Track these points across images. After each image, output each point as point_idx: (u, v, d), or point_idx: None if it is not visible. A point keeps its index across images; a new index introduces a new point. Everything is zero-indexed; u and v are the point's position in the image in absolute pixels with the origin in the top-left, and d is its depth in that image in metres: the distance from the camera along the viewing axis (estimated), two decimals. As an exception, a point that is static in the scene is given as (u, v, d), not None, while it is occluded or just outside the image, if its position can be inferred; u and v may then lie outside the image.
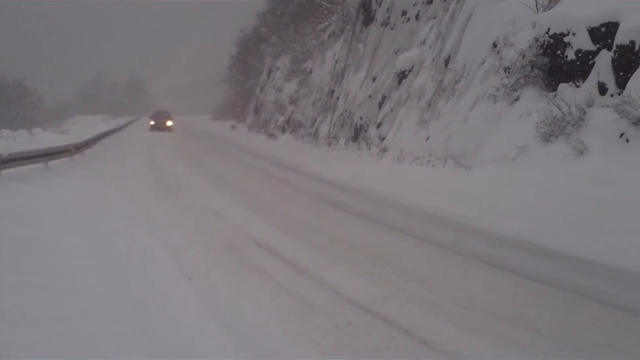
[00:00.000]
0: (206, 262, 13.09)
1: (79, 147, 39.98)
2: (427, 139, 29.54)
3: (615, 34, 21.60)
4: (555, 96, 22.70)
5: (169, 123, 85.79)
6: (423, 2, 39.48)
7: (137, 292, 10.81)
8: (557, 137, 20.94)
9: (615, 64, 21.44)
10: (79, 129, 70.56)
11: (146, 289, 10.97)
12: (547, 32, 24.12)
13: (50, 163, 32.07)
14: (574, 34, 23.15)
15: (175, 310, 9.84)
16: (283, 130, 65.23)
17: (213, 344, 8.44)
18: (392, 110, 37.18)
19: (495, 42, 27.76)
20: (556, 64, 23.90)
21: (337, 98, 49.77)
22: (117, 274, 12.01)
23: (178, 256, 13.57)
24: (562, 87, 23.10)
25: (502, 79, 25.75)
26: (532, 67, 24.37)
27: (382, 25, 44.37)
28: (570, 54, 23.21)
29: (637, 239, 13.74)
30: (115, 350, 8.26)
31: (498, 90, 25.66)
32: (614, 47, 21.54)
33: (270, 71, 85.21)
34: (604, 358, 8.13)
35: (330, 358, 8.11)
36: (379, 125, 38.28)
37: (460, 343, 8.60)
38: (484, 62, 28.13)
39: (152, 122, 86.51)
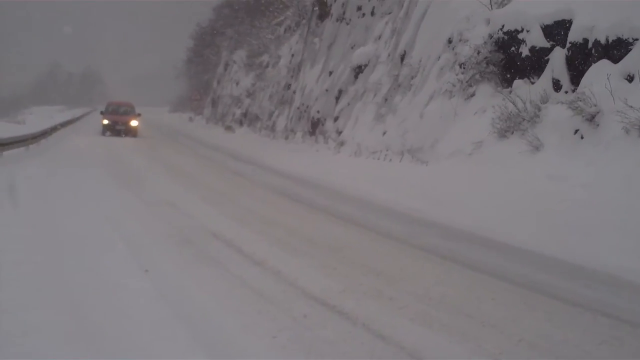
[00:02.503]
0: (162, 253, 13.04)
1: (36, 137, 39.70)
2: (384, 133, 29.66)
3: (568, 31, 21.84)
4: (510, 92, 22.92)
5: (134, 123, 53.75)
6: (378, -2, 39.62)
7: (89, 283, 10.70)
8: (512, 133, 21.14)
9: (569, 61, 21.70)
10: (34, 119, 69.54)
11: (99, 281, 10.87)
12: (501, 29, 24.33)
13: (5, 153, 31.70)
14: (527, 31, 23.39)
15: (129, 301, 9.78)
16: (240, 123, 65.15)
17: (167, 337, 8.40)
18: (348, 104, 37.27)
19: (450, 38, 27.92)
20: (511, 61, 24.12)
21: (294, 92, 49.80)
22: (67, 265, 11.84)
23: (133, 247, 13.47)
24: (517, 83, 23.32)
25: (457, 75, 25.93)
26: (487, 63, 24.57)
27: (337, 20, 44.44)
28: (525, 51, 23.44)
29: (589, 234, 13.94)
30: (59, 341, 8.17)
31: (454, 85, 25.83)
32: (568, 44, 21.78)
33: (227, 64, 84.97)
34: (558, 353, 8.24)
35: (286, 351, 8.13)
36: (335, 120, 38.36)
37: (416, 337, 8.64)
38: (439, 57, 28.29)
39: (106, 121, 53.47)
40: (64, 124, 61.55)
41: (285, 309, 9.68)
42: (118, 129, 53.32)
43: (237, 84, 73.61)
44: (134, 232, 15.03)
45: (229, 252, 13.45)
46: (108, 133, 53.54)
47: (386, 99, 31.73)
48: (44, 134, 43.76)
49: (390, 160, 27.28)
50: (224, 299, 10.12)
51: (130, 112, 55.97)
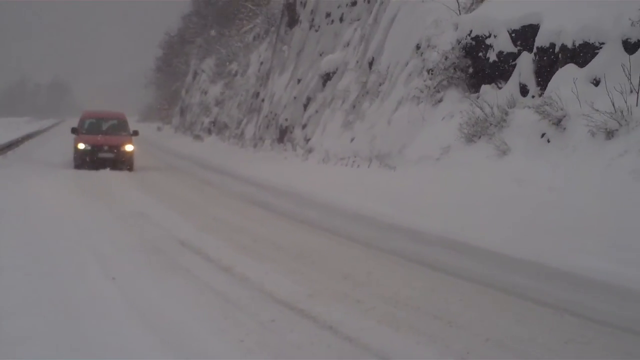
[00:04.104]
0: (130, 262, 12.96)
1: (2, 149, 39.35)
2: (352, 140, 29.70)
3: (535, 36, 21.94)
4: (477, 97, 22.98)
5: (128, 148, 33.53)
6: (347, 4, 39.63)
7: (59, 291, 10.63)
8: (480, 137, 21.21)
9: (536, 66, 21.79)
10: (1, 131, 68.67)
11: (68, 288, 10.80)
12: (469, 34, 24.39)
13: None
14: (495, 36, 23.46)
15: (97, 309, 9.71)
16: (209, 132, 65.00)
17: (135, 343, 8.34)
18: (317, 111, 37.28)
19: (418, 44, 27.99)
20: (478, 66, 24.19)
21: (263, 100, 49.76)
22: (36, 273, 11.77)
23: (101, 256, 13.38)
24: (485, 88, 23.41)
25: (425, 81, 25.98)
26: (454, 69, 24.63)
27: (306, 27, 44.43)
28: (492, 56, 23.53)
29: (556, 236, 14.01)
30: (32, 348, 8.11)
31: (421, 91, 25.89)
32: (535, 49, 21.89)
33: (195, 73, 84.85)
34: (525, 353, 8.24)
35: (254, 355, 8.08)
36: (304, 127, 38.36)
37: (384, 339, 8.62)
38: (407, 63, 28.35)
39: (83, 146, 32.85)
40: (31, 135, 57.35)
41: (252, 314, 9.64)
42: (102, 158, 31.87)
43: (206, 92, 73.49)
44: (102, 241, 14.91)
45: (197, 259, 13.39)
46: (85, 165, 31.92)
47: (354, 106, 31.76)
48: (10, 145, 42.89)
49: (359, 166, 27.31)
50: (192, 306, 10.06)
51: (121, 129, 34.35)
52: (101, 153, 32.08)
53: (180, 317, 9.51)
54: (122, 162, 32.31)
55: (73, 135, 33.95)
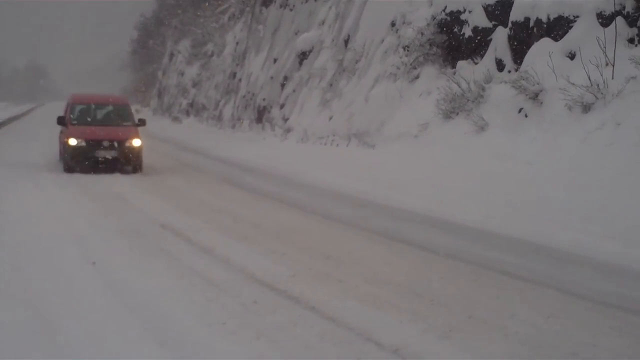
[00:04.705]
0: (110, 246, 12.90)
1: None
2: (330, 118, 29.67)
3: (510, 11, 21.98)
4: (454, 73, 23.04)
5: (136, 142, 24.88)
6: (321, -17, 39.52)
7: (38, 275, 10.58)
8: (457, 114, 21.26)
9: (512, 40, 21.86)
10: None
11: (48, 273, 10.74)
12: (444, 10, 24.46)
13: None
14: (470, 12, 23.52)
15: (78, 293, 9.67)
16: (187, 113, 64.82)
17: (117, 327, 8.32)
18: (294, 91, 37.21)
19: (393, 21, 27.97)
20: (454, 42, 24.25)
21: (240, 80, 49.62)
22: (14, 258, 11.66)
23: (81, 239, 13.31)
24: (461, 64, 23.47)
25: (401, 58, 26.00)
26: (430, 45, 24.69)
27: (281, 6, 44.32)
28: (468, 32, 23.59)
29: (535, 210, 14.07)
30: (10, 335, 8.08)
31: (398, 68, 25.90)
32: (510, 24, 21.95)
33: (172, 55, 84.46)
34: (508, 328, 8.28)
35: (236, 337, 8.08)
36: (282, 106, 38.30)
37: (366, 318, 8.63)
38: (383, 40, 28.35)
39: (75, 141, 24.01)
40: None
41: (234, 296, 9.61)
42: (102, 158, 24.38)
43: (183, 74, 73.22)
44: (82, 225, 14.83)
45: (178, 242, 13.34)
46: (78, 168, 24.05)
47: (331, 84, 31.73)
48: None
49: (337, 145, 27.31)
50: (174, 289, 10.03)
51: (124, 118, 26.63)
52: (100, 151, 24.04)
53: (160, 300, 9.48)
54: (127, 163, 24.49)
55: (60, 128, 26.61)
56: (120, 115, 26.40)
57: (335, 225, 14.97)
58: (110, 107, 27.01)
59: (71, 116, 25.56)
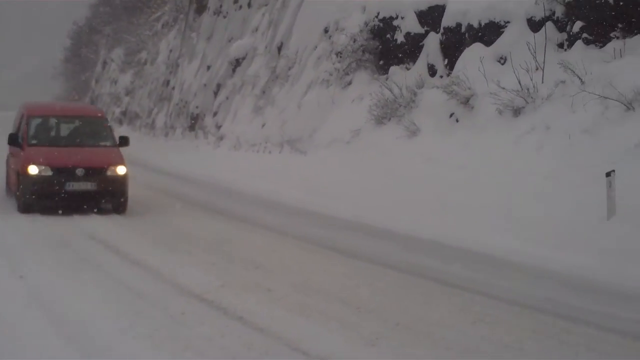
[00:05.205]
0: (37, 257, 12.59)
1: None
2: (263, 125, 29.61)
3: (442, 17, 22.07)
4: (386, 79, 23.08)
5: (120, 170, 17.56)
6: (255, -11, 39.49)
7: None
8: (389, 119, 21.28)
9: (444, 46, 21.96)
10: None
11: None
12: (376, 16, 24.49)
13: None
14: (402, 18, 23.58)
15: (3, 307, 9.42)
16: (120, 122, 64.26)
17: (42, 342, 8.10)
18: (227, 98, 37.08)
19: (326, 28, 27.98)
20: (387, 48, 24.27)
21: (173, 88, 49.40)
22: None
23: (9, 253, 12.99)
24: (393, 69, 23.51)
25: (334, 64, 25.99)
26: (363, 51, 24.71)
27: (214, 13, 44.21)
28: (400, 37, 23.63)
29: (464, 215, 14.10)
30: None
31: (331, 75, 25.91)
32: (442, 30, 22.02)
33: (105, 63, 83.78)
34: (434, 334, 8.22)
35: (162, 350, 7.89)
36: (215, 114, 38.13)
37: (294, 328, 8.51)
38: (316, 47, 28.33)
39: (35, 170, 16.95)
40: None
41: (163, 308, 9.42)
42: (75, 192, 17.30)
43: (116, 82, 72.69)
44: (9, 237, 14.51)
45: (107, 253, 13.08)
46: (41, 206, 17.35)
47: (264, 91, 31.65)
48: None
49: (270, 152, 27.24)
50: (101, 302, 9.79)
51: (101, 136, 19.30)
52: (72, 182, 17.09)
53: (88, 314, 9.24)
54: (109, 198, 17.78)
55: (10, 150, 19.56)
56: (95, 132, 19.23)
57: (266, 233, 14.87)
58: (81, 121, 19.71)
59: (27, 133, 18.30)
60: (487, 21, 20.31)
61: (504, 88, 17.55)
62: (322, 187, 18.71)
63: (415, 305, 9.41)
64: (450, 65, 21.37)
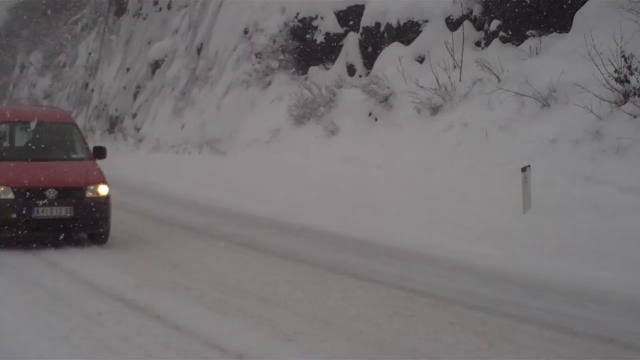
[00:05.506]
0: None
1: None
2: (183, 127, 29.51)
3: (361, 16, 22.16)
4: (306, 79, 23.12)
5: (102, 190, 13.40)
6: (175, -9, 39.34)
7: None
8: (309, 119, 21.33)
9: (363, 46, 22.07)
10: None
11: None
12: (296, 17, 24.53)
13: None
14: (322, 18, 23.66)
15: None
16: (39, 125, 63.48)
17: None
18: (147, 100, 36.84)
19: (246, 28, 27.98)
20: (306, 48, 24.31)
21: (92, 91, 48.91)
22: None
23: None
24: (313, 70, 23.57)
25: (254, 65, 26.03)
26: (282, 52, 24.76)
27: (134, 15, 43.95)
28: (320, 37, 23.71)
29: (382, 212, 14.17)
30: None
31: (250, 75, 25.93)
32: (361, 29, 22.12)
33: (23, 66, 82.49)
34: (352, 329, 8.20)
35: (79, 350, 7.74)
36: (134, 116, 37.84)
37: (212, 325, 8.42)
38: (235, 48, 28.32)
39: None
40: None
41: (79, 308, 9.25)
42: (45, 220, 12.93)
43: (34, 85, 71.60)
44: None
45: (23, 256, 12.79)
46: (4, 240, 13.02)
47: (184, 93, 31.54)
48: None
49: (190, 153, 27.13)
50: (16, 303, 9.58)
51: (73, 147, 14.92)
52: (41, 207, 13.01)
53: (1, 316, 9.04)
54: (88, 226, 13.57)
55: None
56: (65, 142, 15.05)
57: (185, 233, 14.74)
58: (48, 129, 15.11)
59: None
60: (405, 20, 20.49)
61: (422, 87, 17.69)
62: (241, 187, 18.65)
63: (334, 300, 9.38)
64: (369, 65, 21.49)
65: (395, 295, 9.67)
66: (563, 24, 17.22)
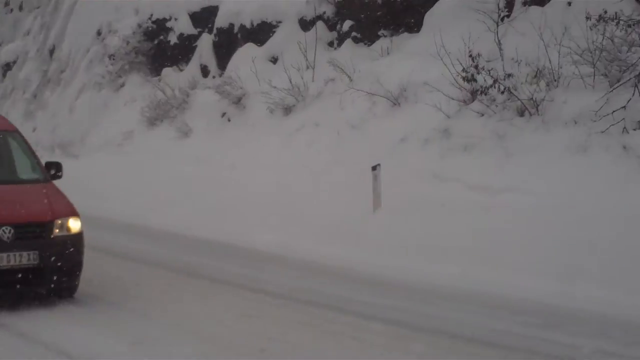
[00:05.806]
0: None
1: None
2: (34, 130, 28.72)
3: (215, 17, 22.06)
4: (159, 81, 22.87)
5: (74, 225, 9.68)
6: (26, -8, 38.38)
7: None
8: (162, 120, 21.13)
9: (217, 47, 21.98)
10: None
11: None
12: (150, 18, 24.26)
13: None
14: (176, 19, 23.50)
15: None
16: None
17: None
18: (-3, 103, 35.80)
19: (99, 30, 27.50)
20: (160, 49, 24.07)
21: (-64, 96, 47.27)
22: None
23: None
24: (166, 71, 23.37)
25: (107, 67, 25.59)
26: (136, 53, 24.42)
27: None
28: (173, 39, 23.52)
29: (233, 213, 14.27)
30: None
31: (103, 77, 25.50)
32: (215, 30, 22.02)
33: None
34: (202, 331, 8.07)
35: None
36: (-16, 121, 36.68)
37: (55, 330, 8.20)
38: (88, 50, 27.79)
39: None
40: None
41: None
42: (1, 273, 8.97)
43: None
44: None
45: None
46: None
47: (36, 95, 30.76)
48: None
49: (41, 156, 26.41)
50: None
51: (23, 165, 10.91)
52: None
53: None
54: (56, 278, 9.44)
55: None
56: (11, 159, 11.02)
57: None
58: None
59: None
60: (259, 21, 20.51)
61: (275, 87, 17.64)
62: (91, 189, 18.25)
63: (185, 303, 9.32)
64: (223, 66, 21.41)
65: (245, 296, 9.66)
66: (414, 24, 17.41)
